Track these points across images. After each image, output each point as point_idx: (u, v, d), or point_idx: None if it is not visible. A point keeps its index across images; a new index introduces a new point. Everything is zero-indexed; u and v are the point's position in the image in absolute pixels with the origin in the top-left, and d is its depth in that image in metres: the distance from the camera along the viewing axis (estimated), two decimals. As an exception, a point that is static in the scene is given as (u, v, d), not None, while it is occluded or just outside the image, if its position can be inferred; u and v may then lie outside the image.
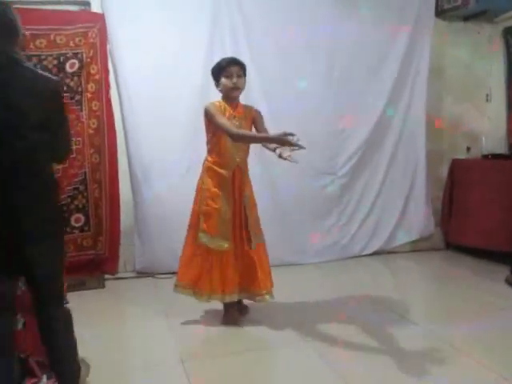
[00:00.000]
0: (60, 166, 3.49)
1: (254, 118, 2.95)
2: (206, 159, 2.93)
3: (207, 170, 2.90)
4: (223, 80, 2.84)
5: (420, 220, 4.51)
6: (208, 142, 2.92)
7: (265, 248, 2.99)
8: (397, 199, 4.46)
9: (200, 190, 2.91)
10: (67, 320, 1.99)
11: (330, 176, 4.28)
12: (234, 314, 2.94)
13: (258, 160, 4.03)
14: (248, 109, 2.96)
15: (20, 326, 2.10)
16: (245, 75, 2.89)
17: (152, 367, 2.46)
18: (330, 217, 4.32)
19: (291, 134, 2.53)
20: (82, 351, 2.53)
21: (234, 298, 2.90)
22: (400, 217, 4.47)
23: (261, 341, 2.74)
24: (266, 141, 2.79)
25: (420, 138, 4.41)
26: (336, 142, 4.25)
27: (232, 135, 2.72)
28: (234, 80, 2.82)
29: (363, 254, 4.39)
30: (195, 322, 3.00)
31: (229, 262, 2.85)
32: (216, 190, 2.85)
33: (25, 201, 1.81)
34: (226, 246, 2.83)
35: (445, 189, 4.64)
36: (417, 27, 4.24)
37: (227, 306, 2.94)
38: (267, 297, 2.90)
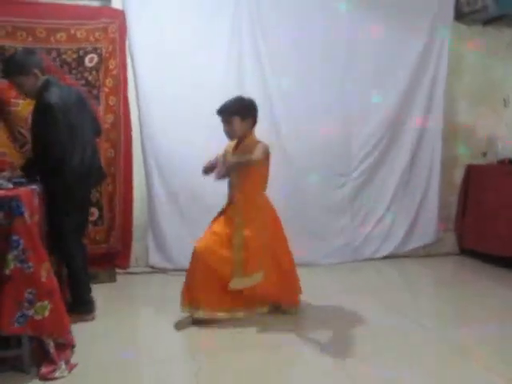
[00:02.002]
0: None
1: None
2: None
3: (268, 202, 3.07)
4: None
5: (434, 224, 4.47)
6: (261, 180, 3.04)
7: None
8: (411, 203, 4.43)
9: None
10: None
11: (344, 177, 4.27)
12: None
13: (272, 159, 4.05)
14: (251, 145, 2.94)
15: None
16: (241, 117, 2.91)
17: (162, 362, 2.46)
18: (343, 218, 4.30)
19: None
20: (92, 344, 2.56)
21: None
22: (413, 220, 4.44)
23: (271, 339, 2.72)
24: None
25: (436, 141, 4.38)
26: (350, 143, 4.24)
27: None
28: (226, 127, 2.93)
29: (375, 256, 4.37)
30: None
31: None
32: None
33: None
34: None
35: (459, 194, 4.60)
36: (435, 31, 4.22)
37: None
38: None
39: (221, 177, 2.88)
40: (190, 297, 2.86)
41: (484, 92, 4.55)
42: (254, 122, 2.98)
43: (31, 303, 2.16)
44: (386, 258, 4.37)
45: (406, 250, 4.45)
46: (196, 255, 2.85)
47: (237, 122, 2.90)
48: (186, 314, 2.91)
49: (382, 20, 4.12)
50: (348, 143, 4.24)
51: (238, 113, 2.89)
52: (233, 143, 3.02)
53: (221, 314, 2.90)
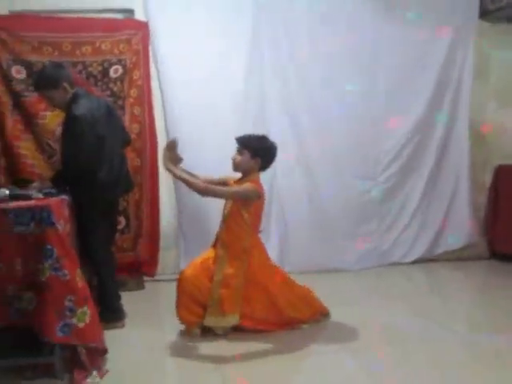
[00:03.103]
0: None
1: None
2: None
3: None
4: None
5: (464, 228, 4.38)
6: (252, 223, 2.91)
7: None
8: (440, 206, 4.35)
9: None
10: None
11: (371, 181, 4.22)
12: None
13: (297, 163, 4.05)
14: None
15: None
16: (253, 153, 2.83)
17: (189, 371, 2.46)
18: (370, 222, 4.26)
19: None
20: (122, 351, 2.58)
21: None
22: (443, 224, 4.35)
23: (296, 347, 2.69)
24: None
25: (464, 143, 4.30)
26: (378, 146, 4.21)
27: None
28: (233, 155, 2.89)
29: (404, 261, 4.30)
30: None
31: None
32: None
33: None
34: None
35: (489, 196, 4.50)
36: (460, 29, 4.16)
37: None
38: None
39: (172, 175, 2.84)
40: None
41: (511, 91, 4.45)
42: (264, 166, 2.91)
43: (72, 311, 2.19)
44: (414, 262, 4.30)
45: (435, 255, 4.37)
46: (180, 281, 2.83)
47: (246, 156, 2.85)
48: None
49: (407, 21, 4.08)
50: (375, 147, 4.20)
51: (252, 149, 2.84)
52: (238, 177, 2.96)
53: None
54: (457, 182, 4.35)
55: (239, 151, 2.88)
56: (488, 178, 4.50)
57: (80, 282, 2.25)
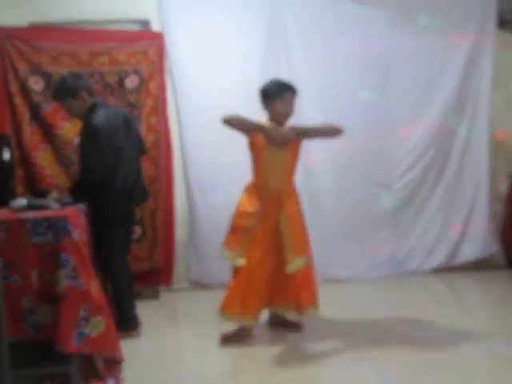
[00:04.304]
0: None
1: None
2: (250, 179, 2.97)
3: (246, 189, 2.95)
4: (278, 104, 2.82)
5: (483, 237, 4.30)
6: (251, 163, 2.96)
7: (310, 269, 2.94)
8: (458, 214, 4.28)
9: (236, 206, 2.94)
10: None
11: (386, 188, 4.19)
12: (239, 338, 2.86)
13: (309, 169, 4.03)
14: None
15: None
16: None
17: (205, 380, 2.46)
18: (385, 230, 4.22)
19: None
20: (138, 360, 2.59)
21: (253, 323, 2.86)
22: (461, 233, 4.28)
23: (312, 356, 2.68)
24: (258, 130, 2.79)
25: (483, 151, 4.24)
26: (393, 154, 4.18)
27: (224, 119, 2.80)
28: (289, 107, 2.84)
29: (420, 270, 4.25)
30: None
31: (255, 283, 2.81)
32: (248, 208, 2.86)
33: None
34: (241, 262, 2.81)
35: (506, 204, 4.44)
36: (478, 38, 4.11)
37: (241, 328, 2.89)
38: (310, 311, 2.87)
39: (287, 138, 2.78)
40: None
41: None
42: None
43: (86, 320, 2.20)
44: (431, 271, 4.25)
45: (452, 264, 4.31)
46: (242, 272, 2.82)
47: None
48: (228, 330, 2.91)
49: (426, 30, 4.06)
50: (391, 154, 4.18)
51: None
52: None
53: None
54: (476, 190, 4.29)
55: (292, 102, 2.86)
56: (504, 186, 4.44)
57: (95, 291, 2.27)
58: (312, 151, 4.00)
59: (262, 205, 2.84)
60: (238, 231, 2.86)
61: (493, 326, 3.19)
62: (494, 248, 4.34)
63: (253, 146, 2.88)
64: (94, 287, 2.27)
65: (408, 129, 4.15)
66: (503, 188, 4.45)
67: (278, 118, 2.85)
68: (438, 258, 4.27)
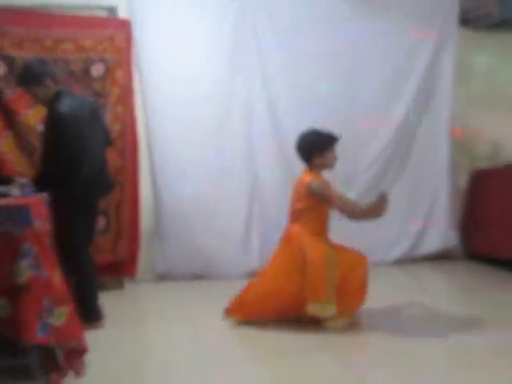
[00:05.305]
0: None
1: None
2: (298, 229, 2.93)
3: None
4: (329, 153, 2.90)
5: (443, 230, 4.45)
6: (300, 214, 2.94)
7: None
8: (420, 208, 4.42)
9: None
10: None
11: (348, 184, 4.25)
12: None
13: (277, 163, 4.05)
14: None
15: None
16: None
17: (169, 371, 2.44)
18: (349, 224, 4.27)
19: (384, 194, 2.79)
20: (100, 352, 2.56)
21: None
22: (423, 226, 4.42)
23: (312, 344, 2.68)
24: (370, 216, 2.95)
25: (444, 147, 4.38)
26: (357, 148, 4.24)
27: (354, 215, 2.92)
28: (336, 154, 2.92)
29: (383, 261, 4.34)
30: (215, 325, 2.98)
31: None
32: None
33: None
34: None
35: (465, 199, 4.59)
36: (441, 36, 4.23)
37: None
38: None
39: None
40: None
41: (491, 97, 4.55)
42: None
43: (50, 311, 2.15)
44: (394, 263, 4.36)
45: (414, 256, 4.43)
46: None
47: None
48: (196, 321, 2.91)
49: (389, 28, 4.14)
50: (353, 150, 4.21)
51: None
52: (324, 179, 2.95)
53: None
54: (437, 186, 4.42)
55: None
56: (464, 182, 4.60)
57: (58, 281, 2.22)
58: (279, 145, 4.04)
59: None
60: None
61: (455, 317, 3.27)
62: (454, 240, 4.49)
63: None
64: (57, 277, 2.23)
65: (371, 124, 4.22)
66: (463, 183, 4.61)
67: (329, 166, 2.94)
68: (400, 250, 4.39)
